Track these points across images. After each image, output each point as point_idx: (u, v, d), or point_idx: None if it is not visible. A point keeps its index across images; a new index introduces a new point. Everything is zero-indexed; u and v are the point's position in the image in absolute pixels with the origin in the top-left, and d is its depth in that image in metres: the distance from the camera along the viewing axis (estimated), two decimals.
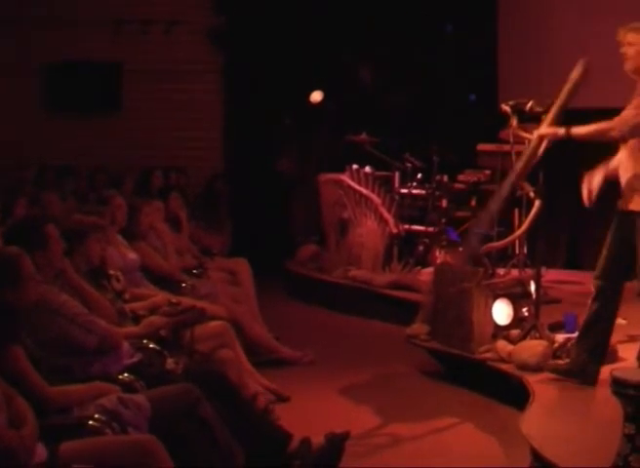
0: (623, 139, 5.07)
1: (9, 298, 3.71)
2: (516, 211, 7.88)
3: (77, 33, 10.86)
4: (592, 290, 5.26)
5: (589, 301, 5.29)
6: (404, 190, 9.11)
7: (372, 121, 9.85)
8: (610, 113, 5.13)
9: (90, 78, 10.98)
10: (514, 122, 6.12)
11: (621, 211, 5.15)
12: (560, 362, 5.51)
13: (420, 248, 8.85)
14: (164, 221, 7.07)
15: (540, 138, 5.52)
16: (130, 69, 11.10)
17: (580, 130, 5.22)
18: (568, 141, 5.33)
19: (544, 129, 5.49)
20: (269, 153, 11.05)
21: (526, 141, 5.92)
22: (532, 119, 5.80)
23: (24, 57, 10.81)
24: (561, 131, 5.30)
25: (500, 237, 7.17)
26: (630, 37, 5.11)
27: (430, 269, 7.73)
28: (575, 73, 5.53)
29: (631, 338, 6.16)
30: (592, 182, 5.28)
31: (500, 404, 5.73)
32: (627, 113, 5.08)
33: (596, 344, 5.25)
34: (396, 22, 10.75)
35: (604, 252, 5.24)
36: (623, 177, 5.14)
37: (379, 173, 9.29)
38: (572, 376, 5.29)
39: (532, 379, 5.35)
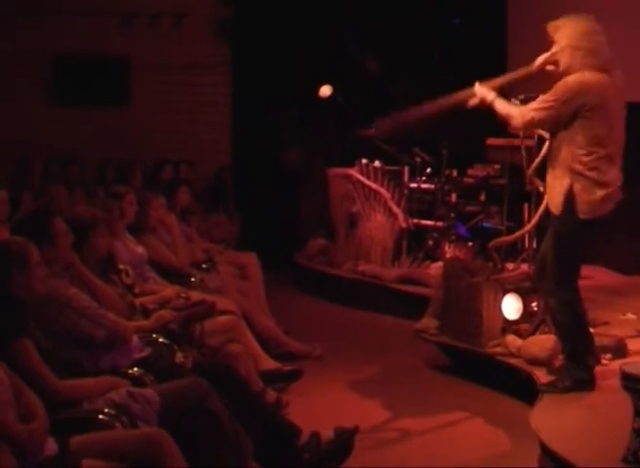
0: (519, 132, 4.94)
1: (16, 288, 3.71)
2: (525, 205, 7.85)
3: (86, 26, 10.85)
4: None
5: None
6: (413, 184, 9.10)
7: (380, 114, 9.81)
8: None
9: (98, 71, 10.99)
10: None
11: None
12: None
13: (430, 242, 8.84)
14: (172, 215, 7.06)
15: (474, 93, 5.34)
16: (138, 62, 11.10)
17: (498, 105, 5.14)
18: None
19: (484, 88, 5.29)
20: (277, 146, 11.04)
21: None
22: None
23: (33, 50, 10.80)
24: (490, 97, 5.20)
25: (510, 231, 7.17)
26: (557, 35, 5.06)
27: (439, 263, 7.73)
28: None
29: None
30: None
31: (509, 398, 5.73)
32: (528, 107, 4.99)
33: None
34: (404, 15, 10.73)
35: None
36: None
37: (388, 167, 9.28)
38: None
39: (541, 374, 5.34)
